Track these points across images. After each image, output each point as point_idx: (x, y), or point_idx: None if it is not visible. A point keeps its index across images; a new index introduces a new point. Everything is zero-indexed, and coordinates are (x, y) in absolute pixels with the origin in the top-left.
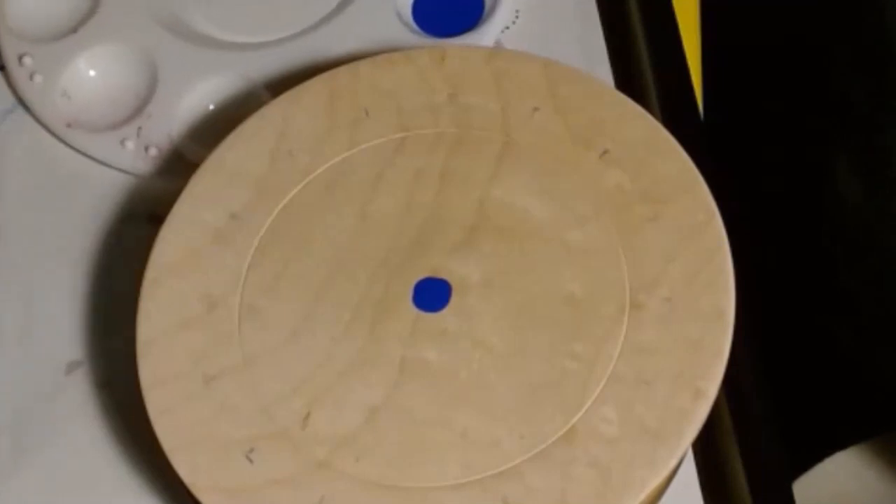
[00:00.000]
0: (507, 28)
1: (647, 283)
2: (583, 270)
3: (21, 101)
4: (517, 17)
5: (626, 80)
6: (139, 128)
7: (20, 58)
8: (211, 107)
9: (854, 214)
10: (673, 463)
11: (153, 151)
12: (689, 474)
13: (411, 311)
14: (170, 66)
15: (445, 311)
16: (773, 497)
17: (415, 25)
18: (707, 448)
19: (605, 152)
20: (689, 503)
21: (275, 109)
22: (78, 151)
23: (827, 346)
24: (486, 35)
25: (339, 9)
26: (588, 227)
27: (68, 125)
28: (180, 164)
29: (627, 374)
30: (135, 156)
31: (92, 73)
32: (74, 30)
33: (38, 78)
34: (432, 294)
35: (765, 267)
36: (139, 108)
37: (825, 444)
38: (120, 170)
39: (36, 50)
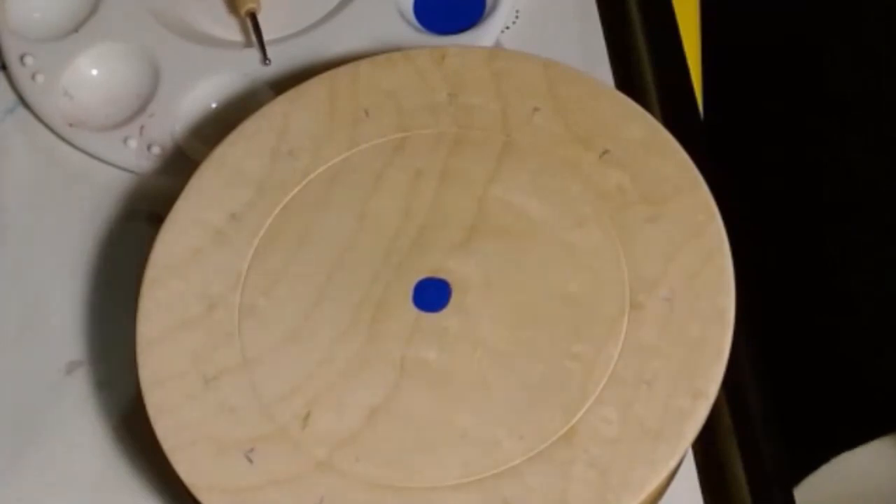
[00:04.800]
0: (508, 28)
1: (647, 283)
2: (583, 270)
3: (23, 101)
4: (517, 17)
5: (626, 80)
6: (141, 126)
7: (22, 57)
8: (213, 105)
9: (854, 214)
10: (673, 463)
11: (156, 150)
12: (689, 474)
13: (411, 311)
14: (171, 65)
15: (445, 311)
16: (773, 497)
17: (416, 23)
18: (707, 448)
19: (605, 152)
20: (689, 503)
21: (275, 109)
22: (80, 150)
23: (827, 346)
24: (487, 34)
25: (341, 6)
26: (588, 227)
27: (70, 124)
28: (183, 162)
29: (627, 374)
30: (137, 154)
31: (93, 72)
32: (76, 29)
33: (39, 77)
34: (432, 294)
35: (765, 267)
36: (141, 106)
37: (825, 444)
38: (122, 168)
39: (37, 49)
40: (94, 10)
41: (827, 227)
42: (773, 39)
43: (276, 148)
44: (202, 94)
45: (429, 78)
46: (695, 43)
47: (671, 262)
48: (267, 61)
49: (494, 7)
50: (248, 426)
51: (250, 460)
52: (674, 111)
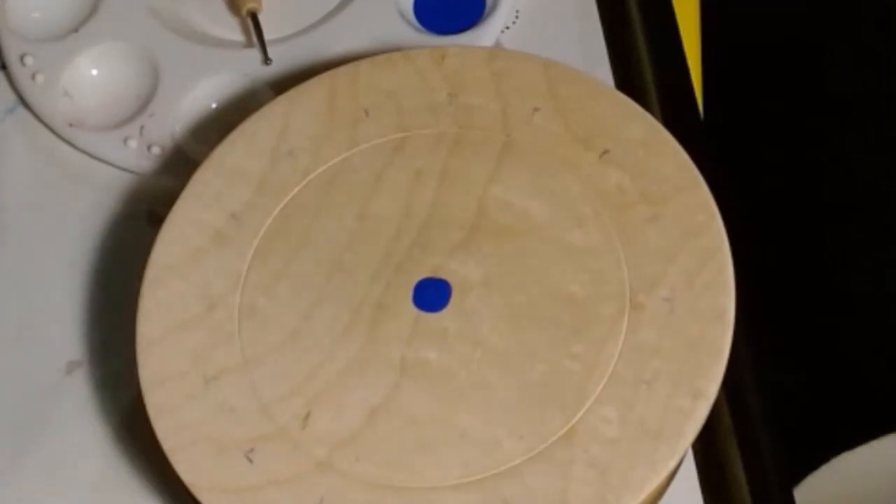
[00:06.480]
0: (508, 28)
1: (647, 283)
2: (583, 270)
3: (23, 101)
4: (517, 17)
5: (626, 80)
6: (141, 126)
7: (22, 57)
8: (213, 105)
9: (854, 214)
10: (673, 463)
11: (156, 150)
12: (689, 474)
13: (411, 311)
14: (171, 65)
15: (445, 312)
16: (773, 497)
17: (416, 23)
18: (707, 448)
19: (605, 152)
20: (689, 503)
21: (275, 109)
22: (80, 150)
23: (827, 346)
24: (487, 34)
25: (342, 6)
26: (588, 227)
27: (70, 124)
28: (183, 162)
29: (627, 375)
30: (137, 154)
31: (93, 72)
32: (76, 29)
33: (39, 77)
34: (432, 294)
35: (765, 267)
36: (141, 106)
37: (825, 444)
38: (122, 168)
39: (37, 49)
40: (94, 10)
41: (827, 227)
42: (773, 39)
43: (276, 148)
44: (202, 94)
45: (429, 78)
46: (695, 43)
47: (671, 262)
48: (268, 61)
49: (494, 7)
50: (248, 426)
51: (250, 460)
52: (674, 111)
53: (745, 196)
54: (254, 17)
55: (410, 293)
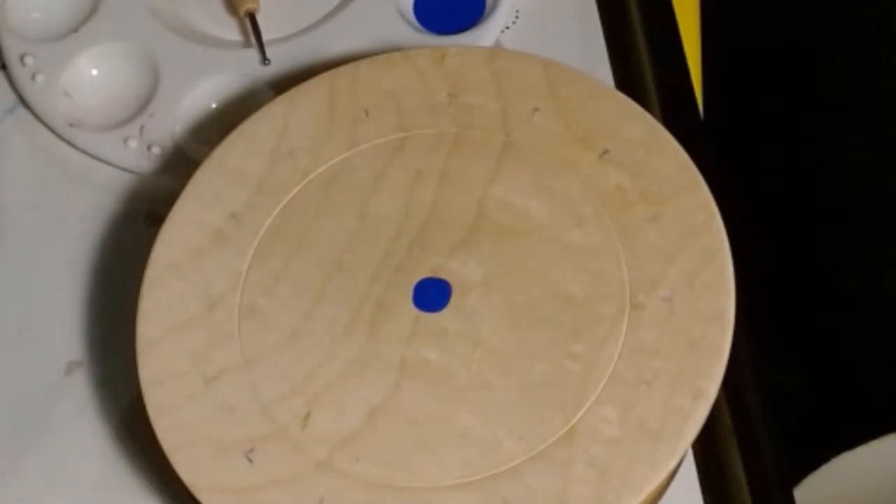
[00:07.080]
0: (508, 28)
1: (647, 283)
2: (583, 270)
3: (23, 101)
4: (517, 17)
5: (626, 80)
6: (141, 126)
7: (22, 57)
8: (213, 105)
9: (854, 214)
10: (673, 463)
11: (156, 150)
12: (689, 474)
13: (411, 311)
14: (171, 65)
15: (445, 311)
16: (773, 497)
17: (416, 23)
18: (707, 448)
19: (605, 152)
20: (689, 503)
21: (275, 109)
22: (80, 150)
23: (827, 346)
24: (487, 34)
25: (341, 6)
26: (588, 227)
27: (70, 124)
28: (183, 162)
29: (627, 375)
30: (137, 154)
31: (93, 72)
32: (76, 29)
33: (39, 77)
34: (432, 294)
35: (765, 267)
36: (141, 106)
37: (825, 444)
38: (122, 168)
39: (37, 49)
40: (94, 10)
41: (827, 227)
42: (773, 39)
43: (276, 148)
44: (202, 94)
45: (429, 78)
46: (695, 43)
47: (671, 262)
48: (266, 61)
49: (494, 7)
50: (248, 426)
51: (250, 460)
52: (674, 111)
53: (745, 196)
54: (252, 17)
55: (410, 293)
